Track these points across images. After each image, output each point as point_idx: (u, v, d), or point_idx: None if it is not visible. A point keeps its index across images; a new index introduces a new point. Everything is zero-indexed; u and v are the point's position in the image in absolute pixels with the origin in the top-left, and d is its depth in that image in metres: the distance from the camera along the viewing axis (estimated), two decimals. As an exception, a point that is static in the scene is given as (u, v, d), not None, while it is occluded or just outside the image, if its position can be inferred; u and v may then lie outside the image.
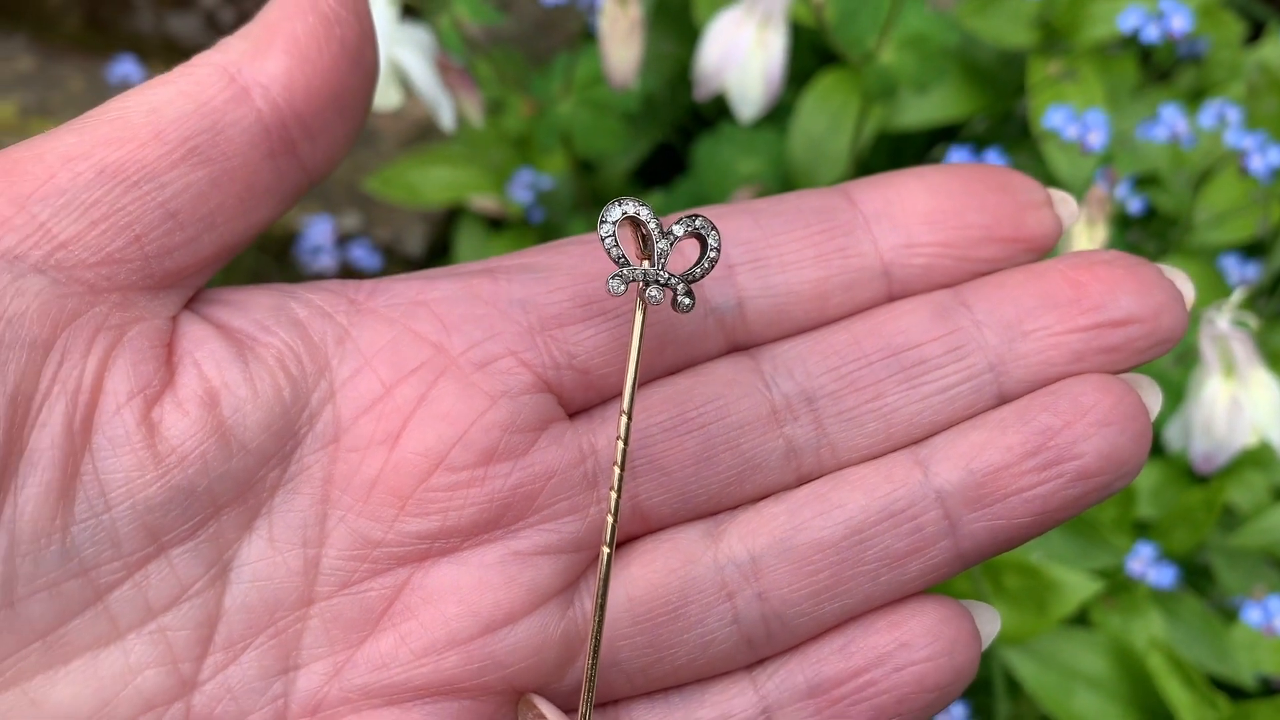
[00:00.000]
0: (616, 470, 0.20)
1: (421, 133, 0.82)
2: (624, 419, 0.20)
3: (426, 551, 0.20)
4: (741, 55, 0.50)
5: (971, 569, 0.50)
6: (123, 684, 0.19)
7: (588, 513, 0.21)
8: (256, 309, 0.20)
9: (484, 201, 0.69)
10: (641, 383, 0.22)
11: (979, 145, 0.70)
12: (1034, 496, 0.21)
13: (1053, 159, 0.60)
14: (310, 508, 0.20)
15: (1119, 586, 0.56)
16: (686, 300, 0.21)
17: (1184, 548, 0.55)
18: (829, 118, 0.66)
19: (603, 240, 0.21)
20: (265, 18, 0.21)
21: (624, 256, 0.21)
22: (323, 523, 0.20)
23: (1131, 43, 0.63)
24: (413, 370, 0.21)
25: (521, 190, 0.66)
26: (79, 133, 0.19)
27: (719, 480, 0.21)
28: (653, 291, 0.20)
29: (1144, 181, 0.65)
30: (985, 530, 0.21)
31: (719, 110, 0.66)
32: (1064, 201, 0.23)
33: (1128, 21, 0.52)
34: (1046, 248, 0.23)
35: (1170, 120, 0.55)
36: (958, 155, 0.46)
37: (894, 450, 0.22)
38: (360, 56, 0.21)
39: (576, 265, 0.21)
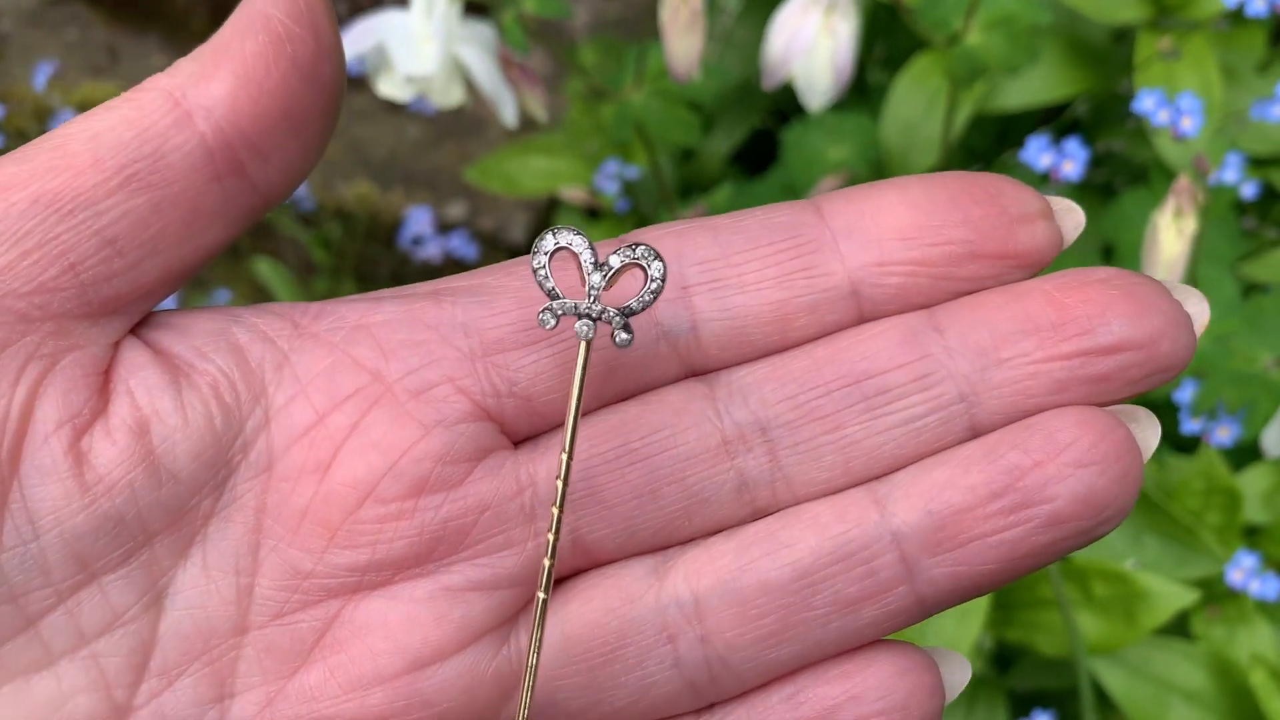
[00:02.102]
0: (555, 513, 0.20)
1: (527, 122, 0.82)
2: (564, 459, 0.20)
3: (357, 584, 0.20)
4: (808, 43, 0.48)
5: (1054, 573, 0.48)
6: (55, 709, 0.19)
7: (525, 547, 0.20)
8: (197, 334, 0.20)
9: (573, 192, 0.69)
10: (588, 410, 0.21)
11: (1079, 128, 0.66)
12: (999, 542, 0.20)
13: (1159, 142, 0.57)
14: (243, 537, 0.20)
15: (1222, 596, 0.53)
16: (624, 335, 0.20)
17: (1298, 556, 0.52)
18: (925, 101, 0.63)
19: (535, 272, 0.20)
20: (217, 39, 0.20)
21: (556, 289, 0.20)
22: (256, 552, 0.20)
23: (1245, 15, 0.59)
24: (347, 397, 0.20)
25: (607, 181, 0.65)
26: (20, 163, 0.19)
27: (664, 515, 0.21)
28: (581, 326, 0.20)
29: (1269, 163, 0.61)
30: (946, 576, 0.20)
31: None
32: (1069, 211, 0.22)
33: (1232, -4, 0.48)
34: (1040, 264, 0.21)
35: (1290, 98, 0.52)
36: (1035, 143, 0.44)
37: (853, 486, 0.21)
38: (314, 74, 0.21)
39: (523, 288, 0.21)
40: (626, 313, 0.20)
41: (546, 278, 0.20)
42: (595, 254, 0.20)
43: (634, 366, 0.21)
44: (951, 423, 0.20)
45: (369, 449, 0.20)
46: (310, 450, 0.20)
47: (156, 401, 0.19)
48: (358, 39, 0.46)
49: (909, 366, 0.20)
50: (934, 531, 0.20)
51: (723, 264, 0.21)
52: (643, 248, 0.20)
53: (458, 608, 0.20)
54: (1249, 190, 0.54)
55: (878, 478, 0.21)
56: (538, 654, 0.20)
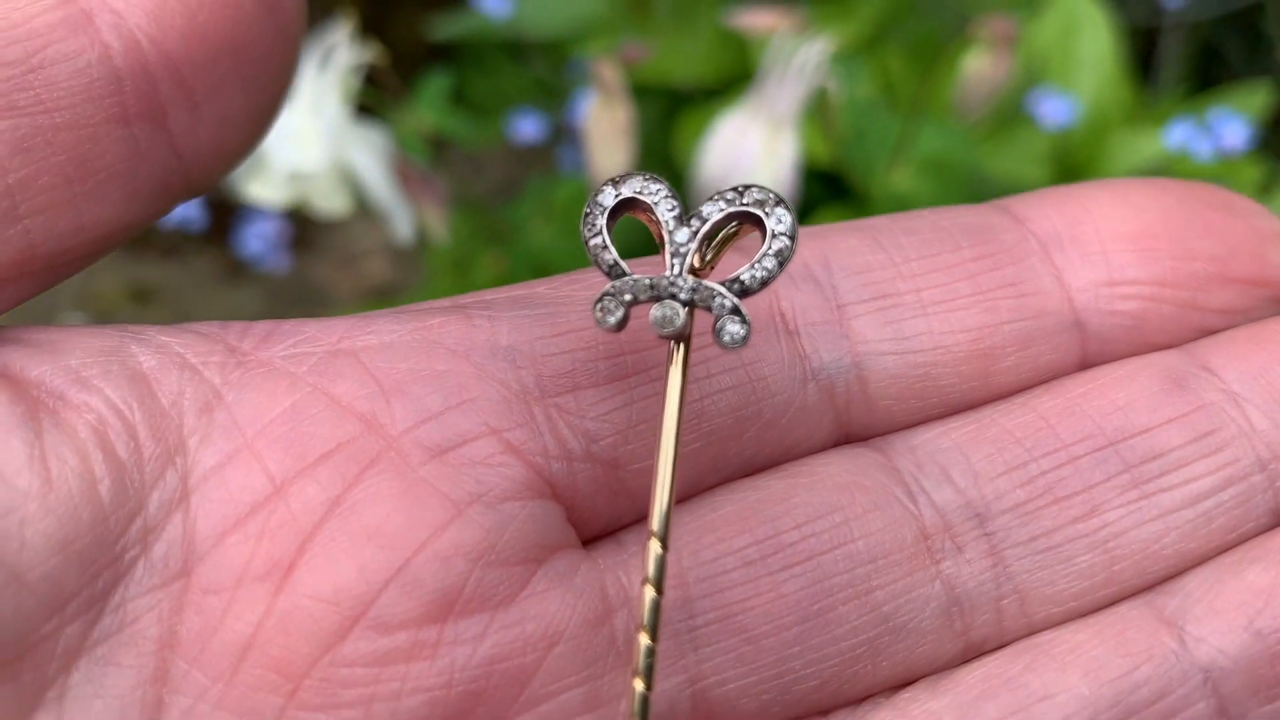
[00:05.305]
0: (642, 641, 0.12)
1: (379, 293, 0.76)
2: (653, 545, 0.12)
3: None
4: (749, 162, 0.43)
5: None
6: None
7: (618, 708, 0.13)
8: (75, 352, 0.13)
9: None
10: (706, 484, 0.14)
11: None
12: None
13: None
14: (133, 692, 0.12)
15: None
16: (735, 327, 0.13)
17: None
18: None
19: (587, 243, 0.13)
20: None
21: (619, 263, 0.13)
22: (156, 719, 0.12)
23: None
24: (322, 457, 0.13)
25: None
26: None
27: (839, 653, 0.13)
28: (660, 312, 0.13)
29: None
30: None
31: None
32: None
33: (1174, 137, 0.46)
34: None
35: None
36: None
37: (1120, 599, 0.14)
38: (275, 1, 0.14)
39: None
40: (737, 289, 0.13)
41: (605, 246, 0.13)
42: (680, 205, 0.13)
43: (768, 421, 0.14)
44: (1251, 501, 0.14)
45: (360, 540, 0.12)
46: (259, 543, 0.12)
47: None
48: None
49: (1184, 421, 0.14)
50: (1268, 664, 0.13)
51: (892, 275, 0.14)
52: (755, 190, 0.13)
53: None
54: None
55: (1154, 586, 0.14)
56: None
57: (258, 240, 0.68)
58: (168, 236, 0.78)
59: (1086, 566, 0.14)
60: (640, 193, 0.14)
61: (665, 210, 0.13)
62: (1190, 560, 0.15)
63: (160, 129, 0.13)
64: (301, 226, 0.75)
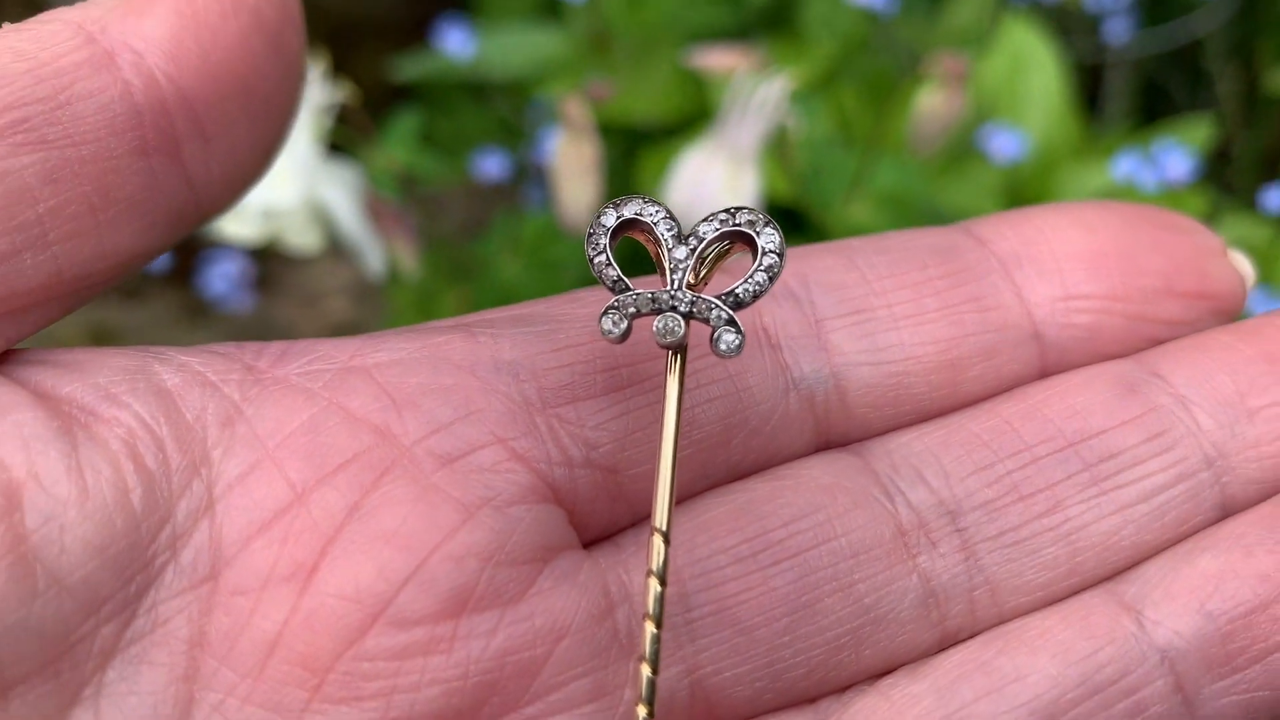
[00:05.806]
0: (649, 629, 0.13)
1: (342, 333, 0.76)
2: (656, 540, 0.13)
3: None
4: (712, 197, 0.45)
5: None
6: None
7: (621, 697, 0.14)
8: (102, 371, 0.14)
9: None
10: (697, 488, 0.15)
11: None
12: None
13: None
14: (166, 689, 0.13)
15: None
16: (730, 335, 0.14)
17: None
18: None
19: (591, 260, 0.14)
20: None
21: (622, 278, 0.14)
22: (186, 716, 0.12)
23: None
24: (340, 466, 0.14)
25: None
26: None
27: (825, 642, 0.14)
28: (663, 323, 0.14)
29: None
30: (1239, 708, 0.14)
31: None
32: (1238, 258, 0.18)
33: (1120, 169, 0.48)
34: (1233, 311, 0.17)
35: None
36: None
37: (1084, 588, 0.15)
38: (280, 40, 0.15)
39: (596, 315, 0.15)
40: (731, 302, 0.14)
41: (609, 263, 0.14)
42: (678, 225, 0.15)
43: (754, 429, 0.15)
44: (1199, 496, 0.15)
45: (379, 543, 0.13)
46: (284, 546, 0.13)
47: (36, 459, 0.12)
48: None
49: (1137, 423, 0.15)
50: (1219, 643, 0.14)
51: (864, 291, 0.16)
52: (745, 212, 0.14)
53: None
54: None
55: (1114, 575, 0.15)
56: None
57: (221, 281, 0.68)
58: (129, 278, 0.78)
59: (1051, 558, 0.15)
60: (640, 214, 0.15)
61: (664, 230, 0.15)
62: (1147, 551, 0.16)
63: (175, 161, 0.14)
64: (264, 266, 0.75)
